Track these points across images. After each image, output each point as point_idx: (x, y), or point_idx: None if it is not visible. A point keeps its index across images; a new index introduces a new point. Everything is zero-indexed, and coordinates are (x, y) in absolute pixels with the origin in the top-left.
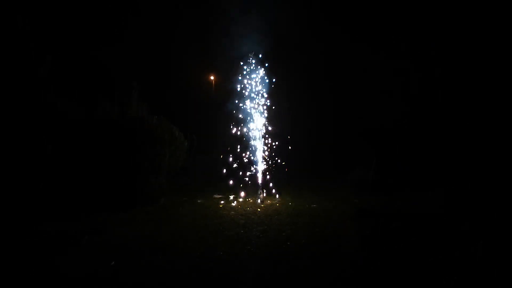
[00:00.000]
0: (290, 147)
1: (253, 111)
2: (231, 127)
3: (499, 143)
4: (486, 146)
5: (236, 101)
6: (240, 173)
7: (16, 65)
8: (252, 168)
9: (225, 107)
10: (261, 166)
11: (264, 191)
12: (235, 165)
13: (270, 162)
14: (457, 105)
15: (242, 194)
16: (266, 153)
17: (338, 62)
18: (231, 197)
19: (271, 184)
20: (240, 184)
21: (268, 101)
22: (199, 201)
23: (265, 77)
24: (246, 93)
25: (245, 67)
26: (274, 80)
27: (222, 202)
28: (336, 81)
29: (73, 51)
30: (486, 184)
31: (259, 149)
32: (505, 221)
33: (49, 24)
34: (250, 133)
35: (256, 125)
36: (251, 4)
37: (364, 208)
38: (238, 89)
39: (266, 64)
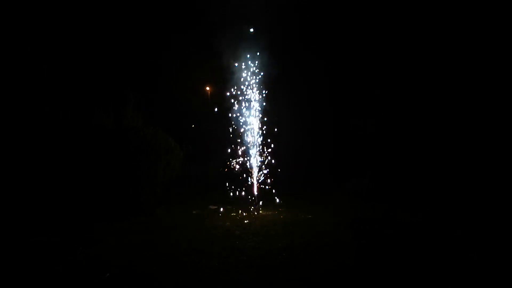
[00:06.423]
0: (277, 160)
1: (249, 122)
2: (229, 141)
3: (490, 144)
4: (478, 149)
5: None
6: (236, 183)
7: (14, 72)
8: (248, 179)
9: (222, 118)
10: (256, 177)
11: (260, 202)
12: (231, 176)
13: (265, 173)
14: (443, 107)
15: (238, 204)
16: (262, 164)
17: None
18: (227, 207)
19: (266, 195)
20: (236, 194)
21: (262, 110)
22: (194, 211)
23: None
24: (242, 103)
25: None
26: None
27: (217, 212)
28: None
29: (70, 56)
30: (480, 188)
31: (255, 160)
32: (498, 225)
33: (45, 28)
34: (246, 144)
35: (252, 137)
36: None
37: (359, 217)
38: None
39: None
